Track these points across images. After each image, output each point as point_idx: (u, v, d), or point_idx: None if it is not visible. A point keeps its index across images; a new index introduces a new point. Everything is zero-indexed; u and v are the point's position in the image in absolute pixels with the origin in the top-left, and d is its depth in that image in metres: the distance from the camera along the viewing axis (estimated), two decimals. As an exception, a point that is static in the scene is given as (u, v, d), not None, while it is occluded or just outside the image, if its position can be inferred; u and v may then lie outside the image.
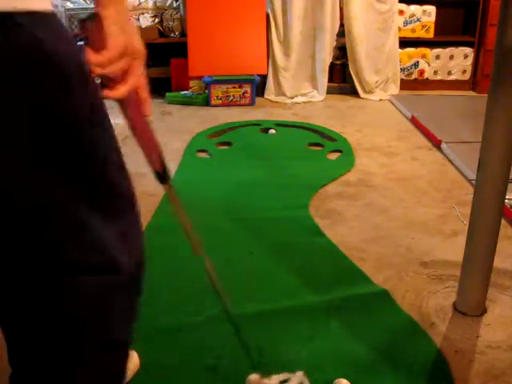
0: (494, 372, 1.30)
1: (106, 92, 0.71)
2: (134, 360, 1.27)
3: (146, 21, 3.99)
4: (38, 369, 1.03)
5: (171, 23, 3.99)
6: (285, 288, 1.64)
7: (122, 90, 0.72)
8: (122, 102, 0.74)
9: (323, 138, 3.15)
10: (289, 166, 2.69)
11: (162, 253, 1.79)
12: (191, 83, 3.99)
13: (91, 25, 0.68)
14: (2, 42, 0.57)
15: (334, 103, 4.03)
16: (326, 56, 4.07)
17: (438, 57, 4.31)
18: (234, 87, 3.88)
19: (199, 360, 1.31)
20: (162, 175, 0.84)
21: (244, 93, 3.89)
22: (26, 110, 0.62)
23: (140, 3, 3.97)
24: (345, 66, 4.24)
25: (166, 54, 4.13)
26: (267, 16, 4.01)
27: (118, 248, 0.76)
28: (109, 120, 0.75)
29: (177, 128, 3.37)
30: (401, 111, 3.77)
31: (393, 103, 4.01)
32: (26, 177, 0.65)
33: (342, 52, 4.23)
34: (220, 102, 3.89)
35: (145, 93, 0.76)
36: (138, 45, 0.73)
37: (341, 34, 4.09)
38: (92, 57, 0.68)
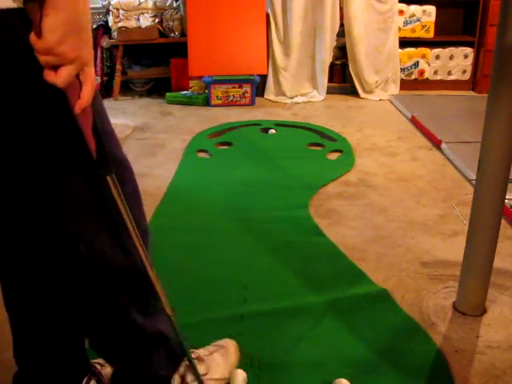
0: (493, 372, 1.30)
1: (46, 74, 0.70)
2: None
3: (146, 21, 3.98)
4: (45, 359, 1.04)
5: (171, 23, 3.99)
6: (285, 288, 1.64)
7: (54, 80, 0.71)
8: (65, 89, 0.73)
9: (323, 137, 3.15)
10: (289, 166, 2.69)
11: (161, 253, 1.79)
12: (191, 83, 3.99)
13: (32, 5, 0.65)
14: None
15: (334, 103, 4.03)
16: (326, 56, 4.07)
17: (438, 57, 4.31)
18: (234, 87, 3.88)
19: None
20: (100, 165, 0.82)
21: (244, 93, 3.89)
22: None
23: (140, 3, 3.97)
24: (345, 66, 4.24)
25: (166, 54, 4.13)
26: (267, 16, 4.01)
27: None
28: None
29: (177, 128, 3.37)
30: (401, 111, 3.77)
31: (393, 103, 4.01)
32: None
33: (342, 52, 4.23)
34: (220, 102, 3.89)
35: (84, 93, 0.74)
36: (74, 51, 0.69)
37: (341, 33, 4.09)
38: (33, 40, 0.68)
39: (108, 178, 0.83)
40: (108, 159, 0.81)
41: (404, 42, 4.24)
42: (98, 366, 1.22)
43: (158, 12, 4.04)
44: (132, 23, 3.98)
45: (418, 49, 4.29)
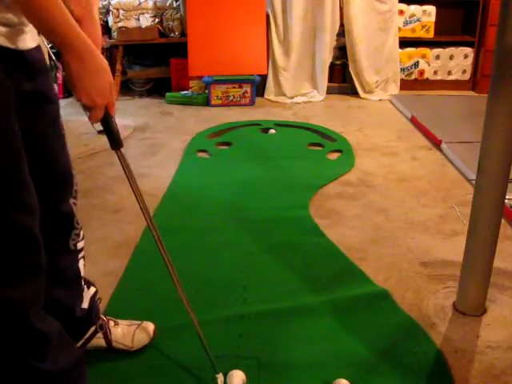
0: (493, 372, 1.30)
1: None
2: (148, 329, 1.35)
3: (146, 21, 3.98)
4: None
5: (171, 23, 3.99)
6: (285, 288, 1.64)
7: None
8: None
9: (323, 137, 3.15)
10: (289, 166, 2.69)
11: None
12: (191, 83, 3.99)
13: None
14: None
15: (334, 103, 4.03)
16: (326, 56, 4.07)
17: (438, 57, 4.31)
18: (234, 87, 3.88)
19: (199, 360, 1.30)
20: (114, 140, 1.00)
21: (244, 93, 3.89)
22: None
23: (140, 3, 3.97)
24: (345, 66, 4.24)
25: (166, 54, 4.13)
26: (267, 16, 4.01)
27: None
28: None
29: (177, 128, 3.37)
30: (401, 111, 3.77)
31: (393, 103, 4.01)
32: None
33: (342, 52, 4.23)
34: (220, 101, 3.89)
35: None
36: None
37: (341, 33, 4.09)
38: None
39: (117, 151, 1.01)
40: (116, 137, 0.99)
41: (404, 42, 4.24)
42: (112, 323, 1.30)
43: (158, 12, 4.04)
44: (132, 23, 3.98)
45: (418, 49, 4.29)
